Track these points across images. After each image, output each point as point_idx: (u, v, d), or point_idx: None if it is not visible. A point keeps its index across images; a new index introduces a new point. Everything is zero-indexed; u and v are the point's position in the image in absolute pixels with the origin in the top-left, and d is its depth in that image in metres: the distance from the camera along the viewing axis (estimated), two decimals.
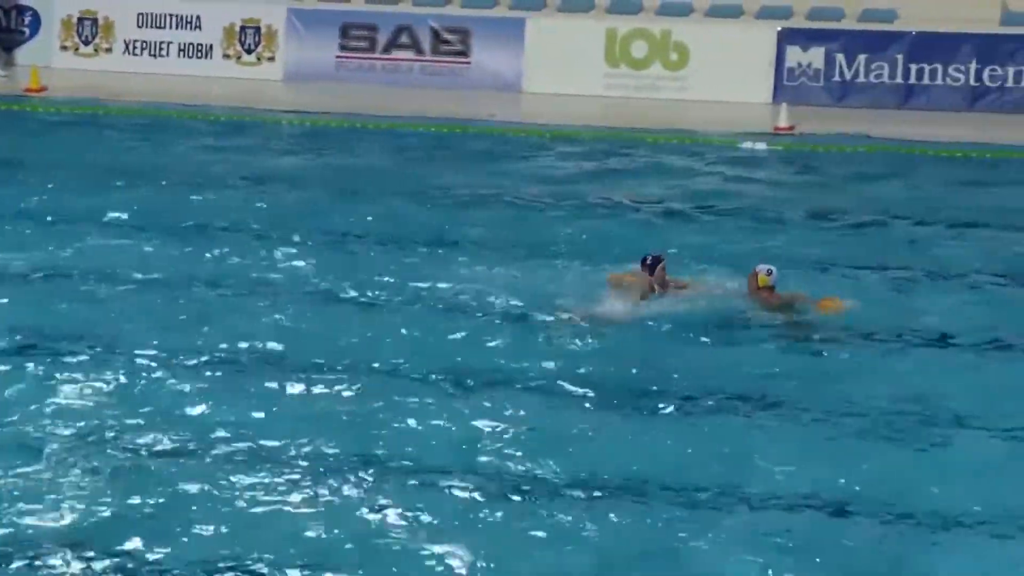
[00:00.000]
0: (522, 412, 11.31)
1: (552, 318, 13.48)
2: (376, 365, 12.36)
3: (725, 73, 26.03)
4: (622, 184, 19.96)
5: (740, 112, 25.11)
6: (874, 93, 25.94)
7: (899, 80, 25.89)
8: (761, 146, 22.94)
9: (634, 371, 12.22)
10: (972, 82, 25.62)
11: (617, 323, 13.29)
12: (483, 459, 10.48)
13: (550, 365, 12.34)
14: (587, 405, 11.52)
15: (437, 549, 9.14)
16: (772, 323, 13.31)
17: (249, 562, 8.96)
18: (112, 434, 10.78)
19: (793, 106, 24.44)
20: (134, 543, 9.15)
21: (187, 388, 11.72)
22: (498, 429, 10.96)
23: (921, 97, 25.78)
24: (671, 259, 14.19)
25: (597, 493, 9.90)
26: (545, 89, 26.78)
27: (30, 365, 12.13)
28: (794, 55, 26.14)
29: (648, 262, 13.89)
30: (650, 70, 26.65)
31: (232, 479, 10.02)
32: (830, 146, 22.84)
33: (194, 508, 9.62)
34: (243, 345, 12.78)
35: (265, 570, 8.90)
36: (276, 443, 10.65)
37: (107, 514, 9.53)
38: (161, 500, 9.71)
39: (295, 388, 11.78)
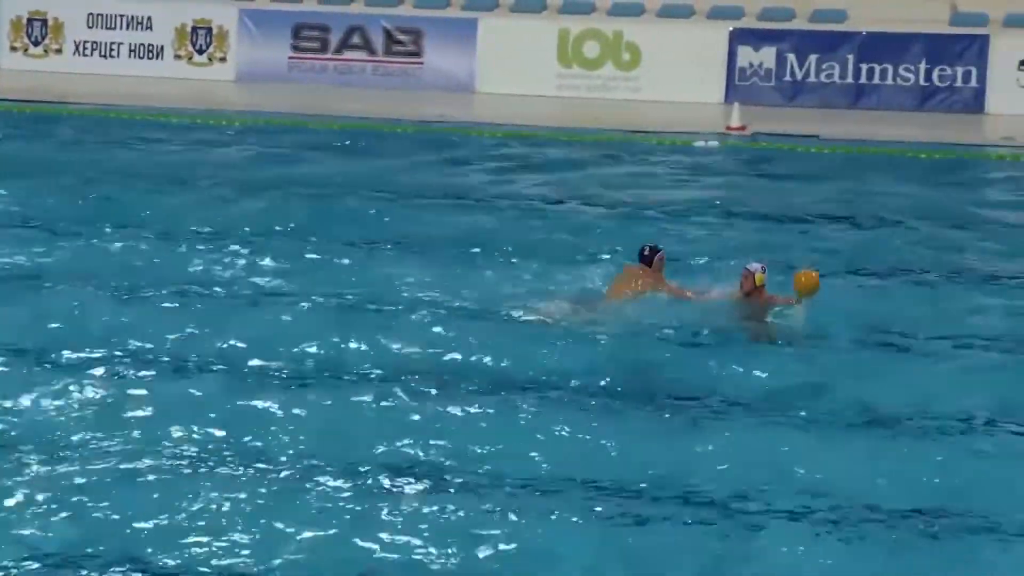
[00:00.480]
0: (496, 413, 11.25)
1: (535, 317, 13.41)
2: (331, 366, 12.31)
3: (677, 73, 26.13)
4: (574, 184, 19.99)
5: (692, 112, 25.21)
6: (825, 93, 26.09)
7: (850, 80, 26.04)
8: (713, 144, 23.04)
9: (630, 374, 12.09)
10: (922, 82, 25.81)
11: (605, 322, 13.20)
12: (448, 460, 10.43)
13: (522, 366, 12.26)
14: (579, 407, 11.39)
15: (414, 552, 9.09)
16: (763, 324, 13.21)
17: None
18: (67, 440, 10.73)
19: (745, 106, 24.54)
20: (100, 551, 9.10)
21: (147, 392, 11.65)
22: (469, 430, 10.90)
23: (871, 97, 25.94)
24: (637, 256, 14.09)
25: (584, 495, 9.86)
26: (498, 89, 26.81)
27: None
28: (745, 55, 26.26)
29: (646, 252, 13.70)
30: (602, 70, 26.72)
31: (206, 486, 9.97)
32: (782, 145, 22.95)
33: (168, 516, 9.55)
34: (203, 347, 12.72)
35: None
36: (244, 448, 10.57)
37: (78, 523, 9.47)
38: (130, 509, 9.65)
39: (257, 392, 11.70)
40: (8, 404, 11.29)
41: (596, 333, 12.99)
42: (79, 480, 9.97)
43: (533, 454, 10.48)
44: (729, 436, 10.85)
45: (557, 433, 10.87)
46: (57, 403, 11.32)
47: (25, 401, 11.37)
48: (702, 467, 10.28)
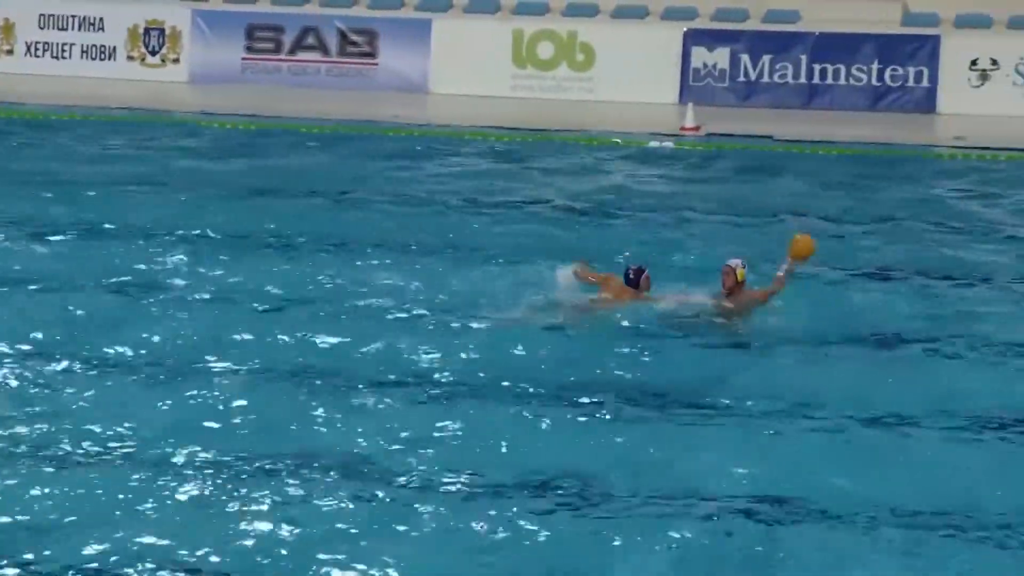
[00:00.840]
0: (475, 417, 11.19)
1: (507, 319, 13.36)
2: (287, 368, 12.25)
3: (631, 74, 26.19)
4: (529, 185, 20.01)
5: (647, 112, 25.27)
6: (778, 93, 26.21)
7: (803, 80, 26.17)
8: (668, 145, 23.09)
9: (605, 377, 12.00)
10: (874, 82, 25.96)
11: (585, 326, 13.16)
12: (406, 463, 10.37)
13: (494, 371, 12.18)
14: (559, 410, 11.31)
15: (372, 555, 9.04)
16: (744, 321, 13.18)
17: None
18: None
19: (699, 106, 24.62)
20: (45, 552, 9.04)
21: (89, 394, 11.56)
22: (428, 433, 10.83)
23: (824, 97, 26.07)
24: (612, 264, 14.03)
25: (551, 496, 9.83)
26: (452, 90, 26.81)
27: None
28: (699, 56, 26.35)
29: (631, 276, 13.45)
30: (557, 71, 26.75)
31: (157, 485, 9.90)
32: (736, 145, 23.03)
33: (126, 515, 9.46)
34: (150, 350, 12.64)
35: None
36: (195, 449, 10.49)
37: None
38: (80, 506, 9.58)
39: (205, 393, 11.64)
40: None
41: (576, 336, 12.95)
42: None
43: (515, 458, 10.41)
44: (713, 436, 10.84)
45: (540, 437, 10.81)
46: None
47: None
48: (686, 468, 10.25)
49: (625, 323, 13.19)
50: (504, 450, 10.54)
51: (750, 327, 13.20)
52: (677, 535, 9.33)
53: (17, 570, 8.75)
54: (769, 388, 11.77)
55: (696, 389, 11.76)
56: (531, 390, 11.63)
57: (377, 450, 10.49)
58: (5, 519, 9.38)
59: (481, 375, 12.06)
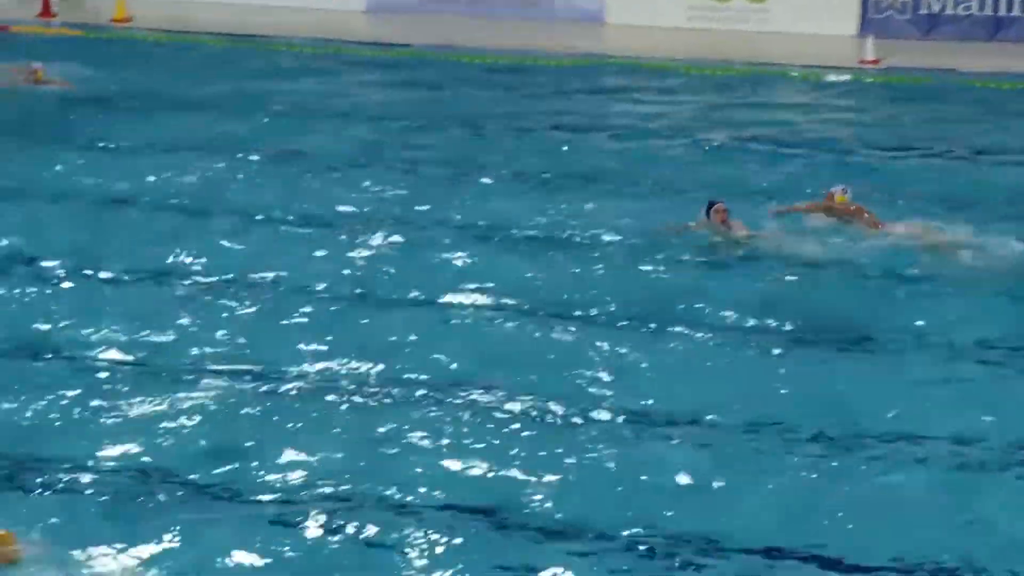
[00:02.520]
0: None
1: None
2: (506, 293, 12.66)
3: (809, 5, 25.76)
4: (703, 117, 19.88)
5: (825, 45, 24.82)
6: (962, 26, 25.57)
7: (988, 12, 25.51)
8: (847, 79, 22.71)
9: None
10: None
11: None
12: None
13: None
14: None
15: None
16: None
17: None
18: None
19: (880, 39, 24.12)
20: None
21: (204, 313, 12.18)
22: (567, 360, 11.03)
23: (1011, 29, 25.39)
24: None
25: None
26: (628, 21, 26.61)
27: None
28: None
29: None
30: (733, 2, 26.42)
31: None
32: (917, 79, 22.55)
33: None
34: (308, 275, 13.06)
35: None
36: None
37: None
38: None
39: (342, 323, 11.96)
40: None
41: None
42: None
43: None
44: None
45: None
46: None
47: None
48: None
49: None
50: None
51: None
52: None
53: None
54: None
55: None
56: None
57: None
58: None
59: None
